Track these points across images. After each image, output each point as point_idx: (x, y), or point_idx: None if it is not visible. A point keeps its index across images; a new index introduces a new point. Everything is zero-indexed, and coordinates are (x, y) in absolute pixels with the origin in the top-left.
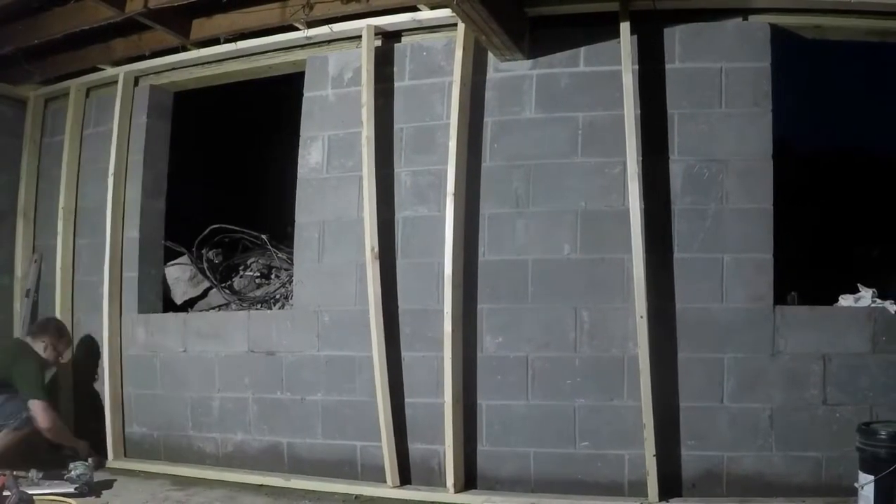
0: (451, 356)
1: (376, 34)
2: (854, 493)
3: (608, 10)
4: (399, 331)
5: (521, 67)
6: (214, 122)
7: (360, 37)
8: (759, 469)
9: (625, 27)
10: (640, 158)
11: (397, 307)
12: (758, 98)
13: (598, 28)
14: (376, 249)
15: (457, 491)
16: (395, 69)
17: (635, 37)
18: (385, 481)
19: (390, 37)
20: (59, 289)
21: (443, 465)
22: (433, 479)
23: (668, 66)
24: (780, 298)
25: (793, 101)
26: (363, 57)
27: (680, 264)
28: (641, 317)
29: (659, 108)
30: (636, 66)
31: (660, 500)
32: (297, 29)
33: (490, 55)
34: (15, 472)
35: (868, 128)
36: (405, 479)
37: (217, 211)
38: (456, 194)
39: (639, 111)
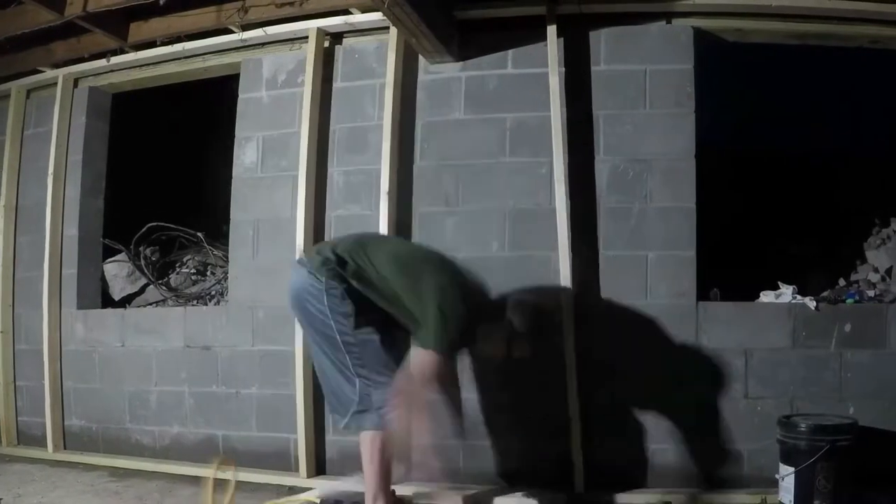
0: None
1: (321, 36)
2: (775, 484)
3: (535, 14)
4: None
5: (451, 70)
6: (152, 123)
7: (293, 40)
8: (682, 461)
9: (551, 30)
10: (567, 158)
11: None
12: (681, 99)
13: (526, 31)
14: (302, 247)
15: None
16: (328, 71)
17: (562, 40)
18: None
19: (325, 39)
20: (0, 284)
21: None
22: None
23: (593, 69)
24: (703, 295)
25: (715, 102)
26: (309, 58)
27: (605, 262)
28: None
29: (585, 109)
30: (562, 69)
31: (585, 490)
32: (232, 32)
33: (420, 58)
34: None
35: (787, 128)
36: (321, 469)
37: (154, 209)
38: (390, 193)
39: (565, 112)
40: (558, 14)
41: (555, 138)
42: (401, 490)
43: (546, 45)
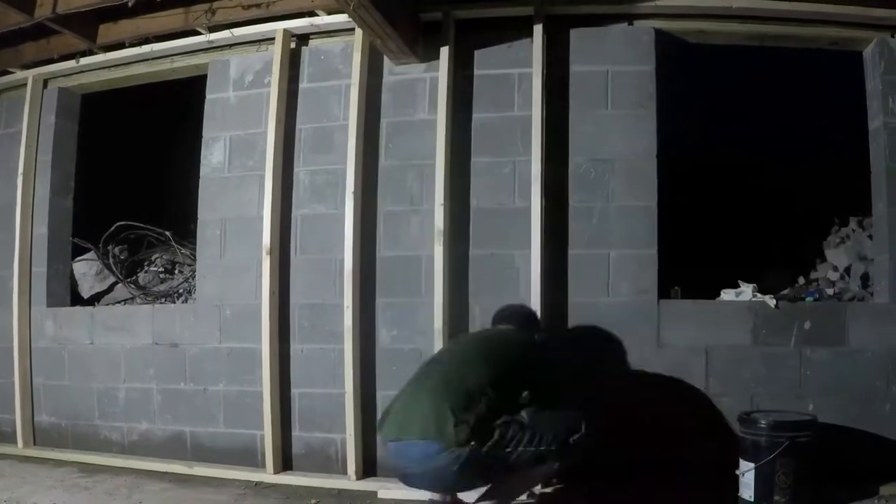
0: (351, 349)
1: (288, 37)
2: (735, 479)
3: (499, 16)
4: (297, 324)
5: (416, 71)
6: (121, 123)
7: (260, 41)
8: (641, 456)
9: (538, 29)
10: (534, 159)
11: (297, 302)
12: (642, 100)
13: (490, 33)
14: (269, 246)
15: (358, 478)
16: (294, 72)
17: (528, 40)
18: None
19: (291, 41)
20: None
21: (340, 453)
22: (331, 466)
23: (558, 69)
24: (664, 293)
25: (677, 103)
26: (275, 59)
27: (570, 260)
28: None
29: (548, 109)
30: (527, 70)
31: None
32: (199, 33)
33: (385, 59)
34: None
35: (748, 127)
36: (287, 465)
37: (123, 208)
38: (355, 192)
39: (527, 112)
40: (521, 16)
41: (534, 140)
42: None
43: (508, 47)
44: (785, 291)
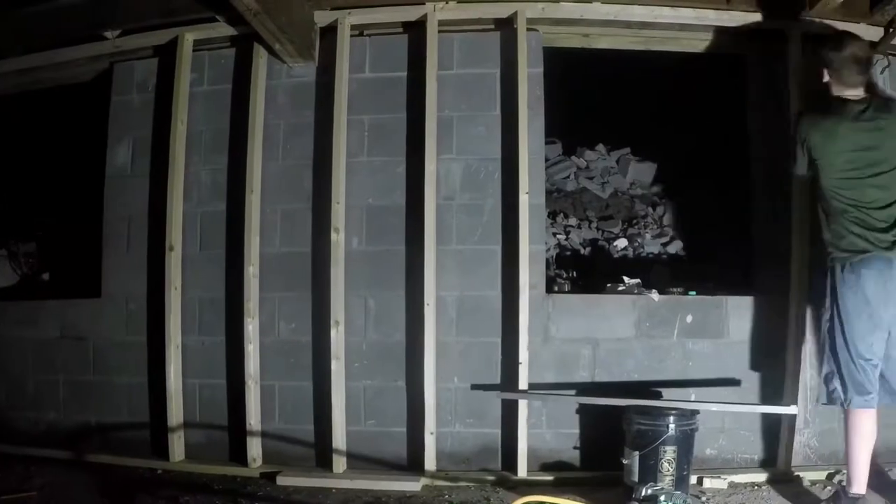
0: (252, 341)
1: (190, 43)
2: (620, 466)
3: (392, 21)
4: (199, 318)
5: (312, 73)
6: (31, 125)
7: (164, 46)
8: (532, 445)
9: (431, 33)
10: (427, 158)
11: (199, 297)
12: (531, 101)
13: (383, 37)
14: (172, 243)
15: (258, 465)
16: (196, 76)
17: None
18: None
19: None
20: None
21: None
22: (234, 454)
23: (447, 73)
24: (551, 287)
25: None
26: (178, 63)
27: (460, 255)
28: (428, 304)
29: (440, 110)
30: (421, 72)
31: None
32: (106, 38)
33: (284, 62)
34: None
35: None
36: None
37: (33, 207)
38: (255, 191)
39: (421, 113)
40: (415, 21)
41: (428, 139)
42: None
43: (404, 50)
44: (673, 289)
